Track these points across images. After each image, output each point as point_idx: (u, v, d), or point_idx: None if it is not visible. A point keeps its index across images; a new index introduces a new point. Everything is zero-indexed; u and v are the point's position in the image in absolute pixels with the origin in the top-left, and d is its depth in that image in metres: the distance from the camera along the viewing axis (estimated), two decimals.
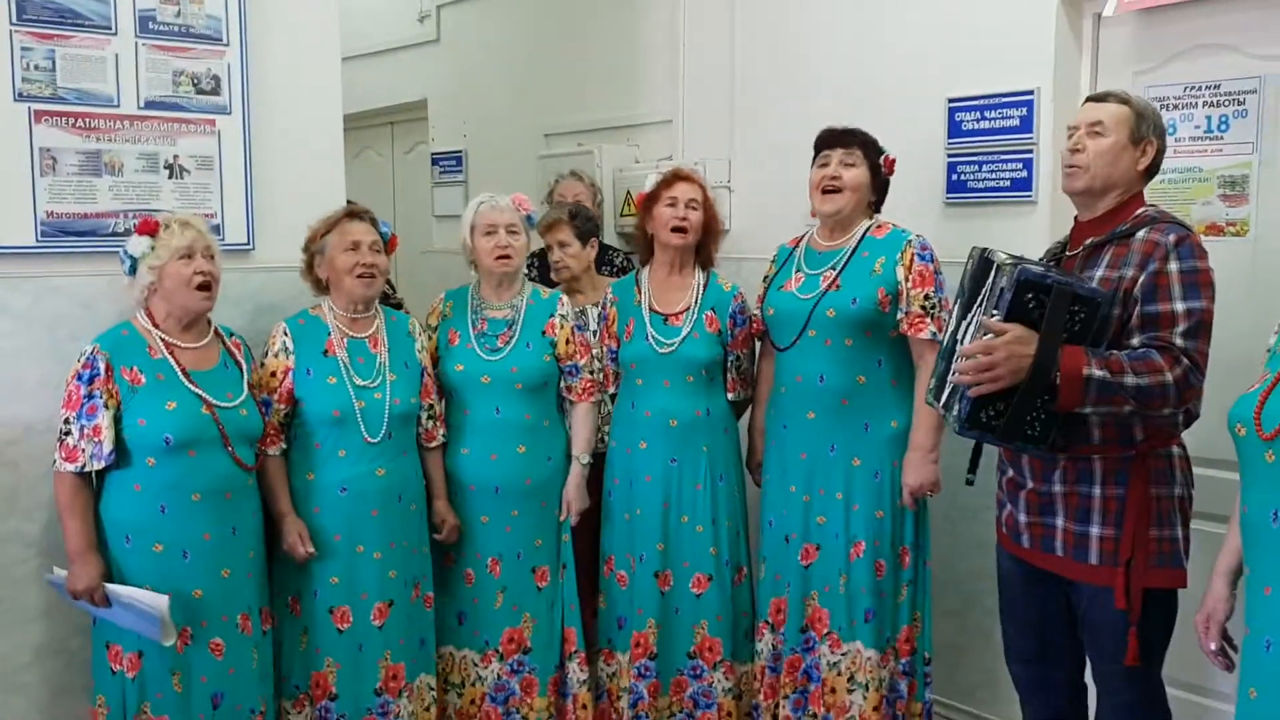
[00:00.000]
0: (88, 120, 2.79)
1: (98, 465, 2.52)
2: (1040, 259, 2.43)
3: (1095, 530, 2.33)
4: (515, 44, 5.02)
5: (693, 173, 3.23)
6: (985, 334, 2.23)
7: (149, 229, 2.59)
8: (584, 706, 3.17)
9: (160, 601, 2.47)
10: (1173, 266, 2.23)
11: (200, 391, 2.59)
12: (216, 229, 2.98)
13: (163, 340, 2.61)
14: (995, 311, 2.22)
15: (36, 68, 2.72)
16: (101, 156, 2.82)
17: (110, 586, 2.52)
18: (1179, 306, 2.22)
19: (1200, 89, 2.99)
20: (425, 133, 5.65)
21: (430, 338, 3.15)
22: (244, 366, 2.75)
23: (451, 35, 5.45)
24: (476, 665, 3.15)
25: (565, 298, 3.26)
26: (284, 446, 2.87)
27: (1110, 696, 2.43)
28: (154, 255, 2.57)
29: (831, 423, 2.91)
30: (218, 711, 2.63)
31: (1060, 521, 2.38)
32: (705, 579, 3.11)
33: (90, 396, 2.52)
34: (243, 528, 2.69)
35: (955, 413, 2.30)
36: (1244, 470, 1.87)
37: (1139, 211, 2.37)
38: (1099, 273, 2.31)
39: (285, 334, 2.87)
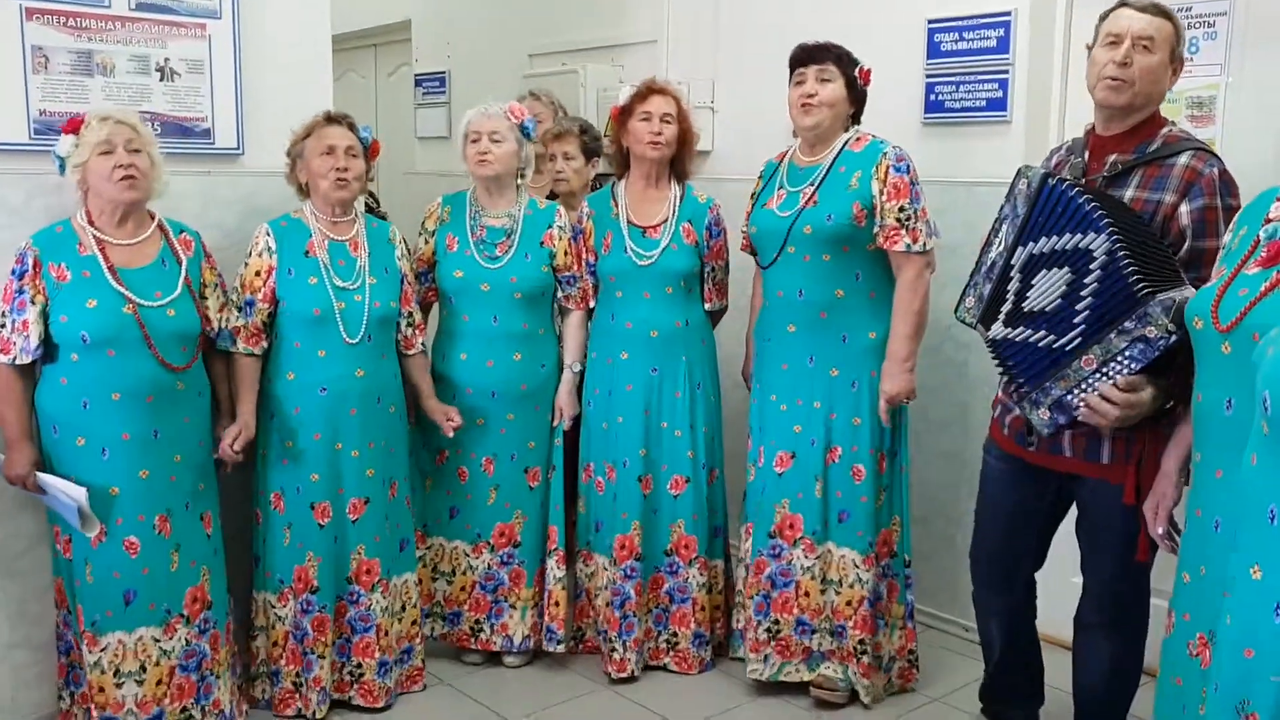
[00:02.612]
0: (79, 20, 2.81)
1: (25, 359, 2.58)
2: (1061, 177, 2.35)
3: (1107, 430, 2.36)
4: None
5: (667, 85, 3.27)
6: (1108, 369, 2.19)
7: (74, 127, 2.60)
8: (556, 604, 3.29)
9: (78, 493, 2.53)
10: (1218, 203, 2.26)
11: (123, 290, 2.60)
12: (206, 133, 3.02)
13: (95, 237, 2.63)
14: (1131, 360, 2.15)
15: None
16: (93, 57, 2.84)
17: (40, 475, 2.59)
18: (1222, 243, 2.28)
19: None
20: (408, 54, 5.63)
21: (427, 241, 3.22)
22: (184, 264, 2.74)
23: None
24: (468, 555, 3.29)
25: (563, 209, 3.33)
26: (265, 346, 2.92)
27: (1101, 585, 2.51)
28: (76, 153, 2.58)
29: (811, 335, 2.99)
30: (129, 608, 2.67)
31: None
32: (683, 480, 3.22)
33: (20, 291, 2.57)
34: (167, 430, 2.68)
35: (1047, 420, 2.31)
36: (1199, 362, 1.94)
37: (1165, 130, 2.38)
38: (1129, 193, 2.32)
39: (268, 234, 2.92)
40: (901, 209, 2.89)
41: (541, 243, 3.22)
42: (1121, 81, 2.32)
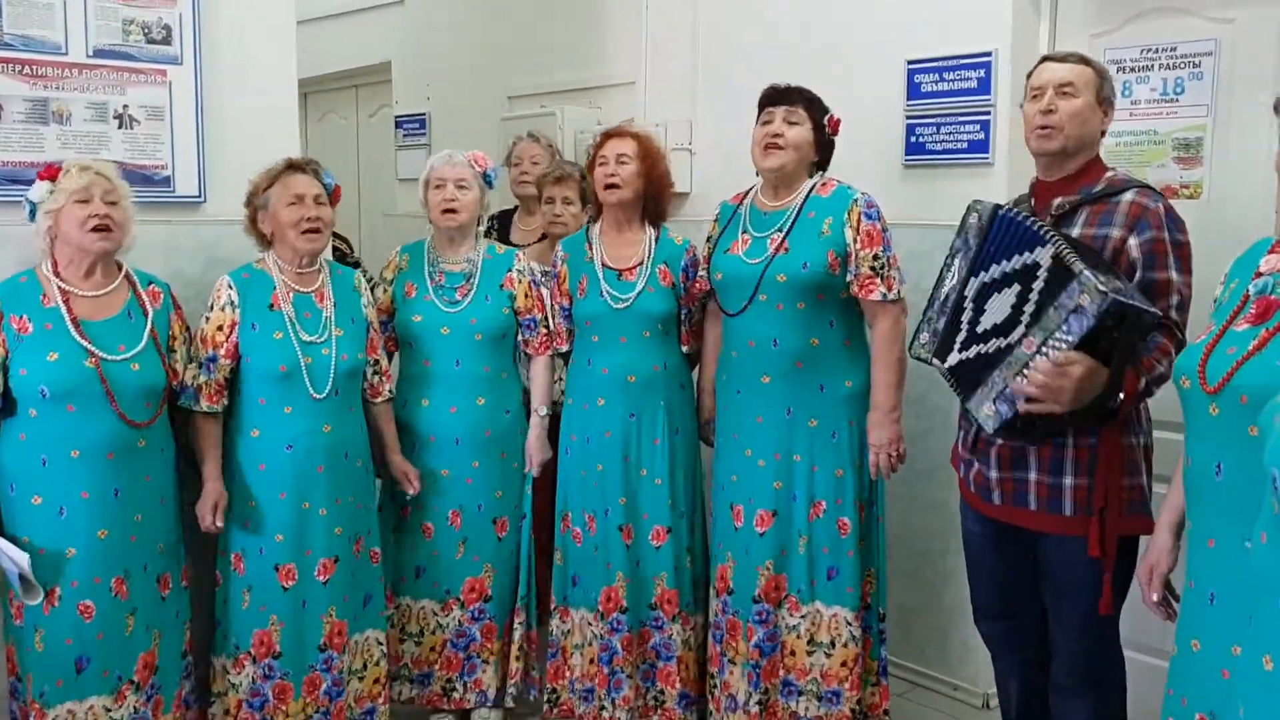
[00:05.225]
0: (35, 67, 2.74)
1: None
2: (1012, 207, 2.41)
3: (1069, 481, 2.35)
4: (479, 4, 4.98)
5: (626, 127, 3.23)
6: (1046, 348, 2.15)
7: (51, 174, 2.54)
8: (516, 657, 3.23)
9: (21, 558, 2.43)
10: (1166, 236, 2.27)
11: (86, 343, 2.52)
12: (166, 181, 2.94)
13: (59, 288, 2.55)
14: (1067, 333, 2.13)
15: None
16: (49, 105, 2.77)
17: None
18: (1174, 276, 2.26)
19: (1157, 51, 3.01)
20: (389, 96, 5.59)
21: (385, 290, 3.16)
22: (150, 316, 2.67)
23: None
24: (436, 614, 3.18)
25: (521, 254, 3.28)
26: (225, 403, 2.82)
27: (1070, 645, 2.45)
28: (51, 200, 2.52)
29: (787, 386, 2.90)
30: (81, 676, 2.54)
31: (1033, 475, 2.39)
32: (664, 531, 3.12)
33: None
34: (128, 489, 2.59)
35: (992, 414, 2.27)
36: (1188, 423, 1.87)
37: (1108, 174, 2.40)
38: (1076, 230, 2.33)
39: (230, 287, 2.81)
40: (875, 257, 2.83)
41: (501, 285, 3.17)
42: (1050, 128, 2.37)
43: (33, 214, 2.55)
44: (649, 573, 3.13)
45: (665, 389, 3.13)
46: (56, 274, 2.57)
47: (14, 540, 2.49)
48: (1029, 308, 2.22)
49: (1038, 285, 2.20)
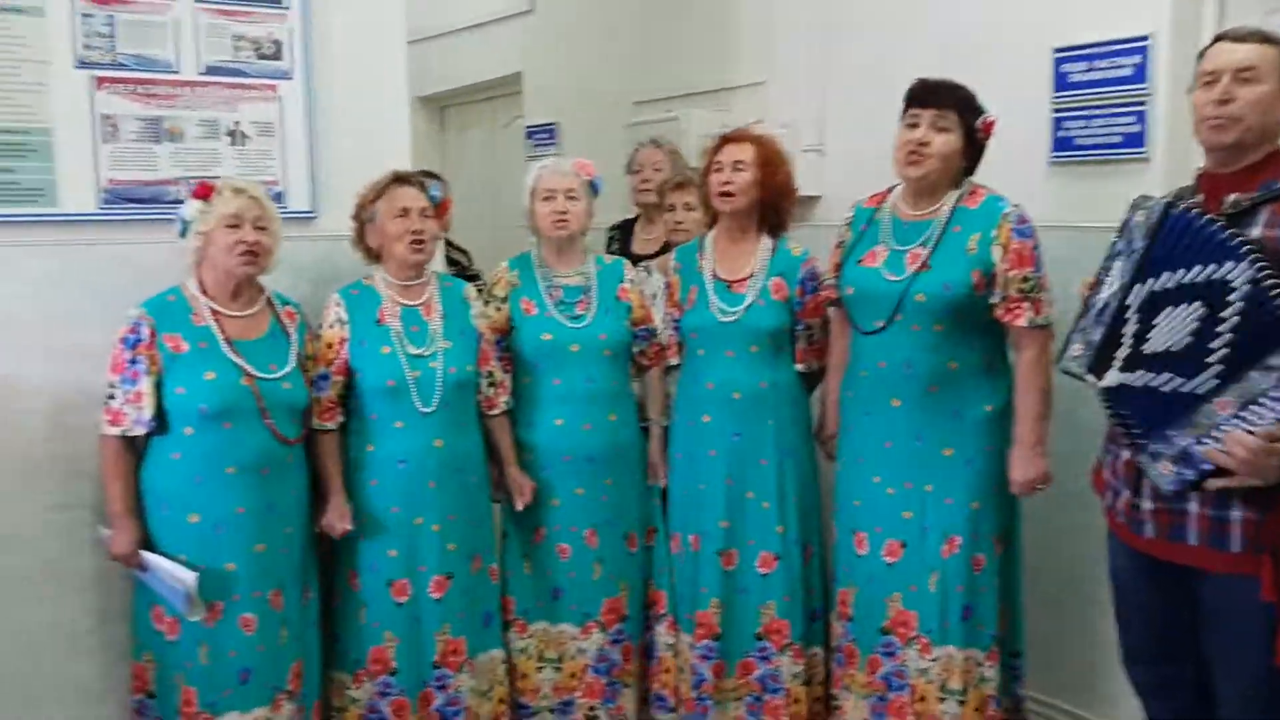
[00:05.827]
0: (148, 87, 2.78)
1: (139, 431, 2.53)
2: (1188, 204, 2.14)
3: (1236, 513, 2.07)
4: (608, 9, 4.90)
5: (746, 132, 3.07)
6: (1246, 413, 1.92)
7: (204, 193, 2.57)
8: (667, 671, 3.12)
9: (188, 578, 2.47)
10: None
11: (241, 362, 2.56)
12: (279, 196, 2.93)
13: (209, 307, 2.59)
14: (1277, 401, 1.90)
15: (97, 34, 2.70)
16: (162, 123, 2.80)
17: (146, 555, 2.53)
18: None
19: None
20: (522, 106, 5.57)
21: (499, 308, 3.07)
22: (293, 336, 2.70)
23: (546, 4, 5.35)
24: (576, 638, 3.08)
25: (628, 262, 3.18)
26: (341, 420, 2.82)
27: (1237, 697, 2.18)
28: (202, 220, 2.55)
29: (919, 411, 2.70)
30: (245, 686, 2.59)
31: (1193, 506, 2.12)
32: (772, 558, 2.96)
33: (134, 361, 2.52)
34: (280, 503, 2.65)
35: (1170, 474, 2.05)
36: None
37: None
38: (1257, 231, 2.05)
39: (339, 304, 2.82)
40: (1025, 279, 2.59)
41: (617, 297, 3.07)
42: (1224, 120, 2.10)
43: (184, 231, 2.59)
44: (755, 601, 2.98)
45: (774, 408, 2.97)
46: (204, 292, 2.60)
47: (170, 558, 2.54)
48: (1219, 347, 1.95)
49: (1231, 316, 1.93)
